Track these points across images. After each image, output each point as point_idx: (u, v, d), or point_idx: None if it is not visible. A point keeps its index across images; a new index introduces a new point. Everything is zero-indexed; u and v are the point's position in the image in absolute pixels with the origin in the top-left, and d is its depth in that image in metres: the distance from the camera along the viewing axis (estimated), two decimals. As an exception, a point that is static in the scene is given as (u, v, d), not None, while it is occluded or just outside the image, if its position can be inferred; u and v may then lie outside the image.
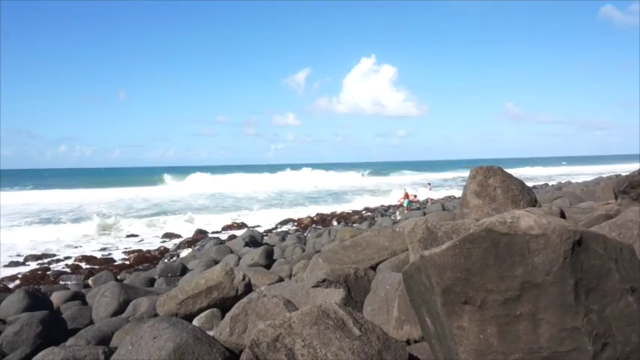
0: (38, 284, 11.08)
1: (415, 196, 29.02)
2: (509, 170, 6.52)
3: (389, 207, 28.20)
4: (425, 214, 16.14)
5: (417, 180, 58.90)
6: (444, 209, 17.86)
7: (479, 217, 5.31)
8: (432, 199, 28.77)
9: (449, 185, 49.05)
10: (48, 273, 12.79)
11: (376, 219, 20.50)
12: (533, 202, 5.83)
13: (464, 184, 6.64)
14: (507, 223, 2.42)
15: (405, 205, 24.06)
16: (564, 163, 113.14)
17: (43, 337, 5.93)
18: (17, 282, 11.81)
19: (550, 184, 38.22)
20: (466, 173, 6.63)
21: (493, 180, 5.72)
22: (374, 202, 33.04)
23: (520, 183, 6.06)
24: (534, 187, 29.08)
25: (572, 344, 2.32)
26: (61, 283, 11.75)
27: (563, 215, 5.78)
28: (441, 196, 33.81)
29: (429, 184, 34.27)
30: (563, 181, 38.58)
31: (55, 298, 8.58)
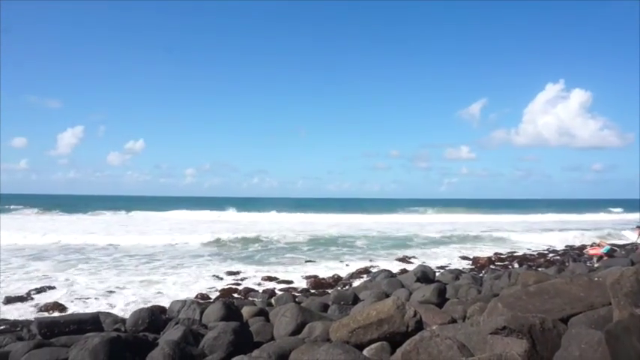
0: (232, 297, 12.67)
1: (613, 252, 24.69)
2: None
3: (583, 251, 24.52)
4: (633, 263, 13.62)
5: (620, 220, 50.23)
6: (659, 259, 14.76)
7: None
8: (642, 246, 24.03)
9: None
10: (240, 288, 14.53)
11: (567, 264, 17.99)
12: None
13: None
14: None
15: (604, 251, 20.61)
16: None
17: (234, 345, 6.72)
18: (217, 294, 13.69)
19: None
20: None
21: None
22: (563, 243, 29.16)
23: None
24: None
25: None
26: (250, 298, 13.22)
27: None
28: (655, 243, 28.06)
29: (639, 226, 28.77)
30: None
31: (245, 311, 9.65)
